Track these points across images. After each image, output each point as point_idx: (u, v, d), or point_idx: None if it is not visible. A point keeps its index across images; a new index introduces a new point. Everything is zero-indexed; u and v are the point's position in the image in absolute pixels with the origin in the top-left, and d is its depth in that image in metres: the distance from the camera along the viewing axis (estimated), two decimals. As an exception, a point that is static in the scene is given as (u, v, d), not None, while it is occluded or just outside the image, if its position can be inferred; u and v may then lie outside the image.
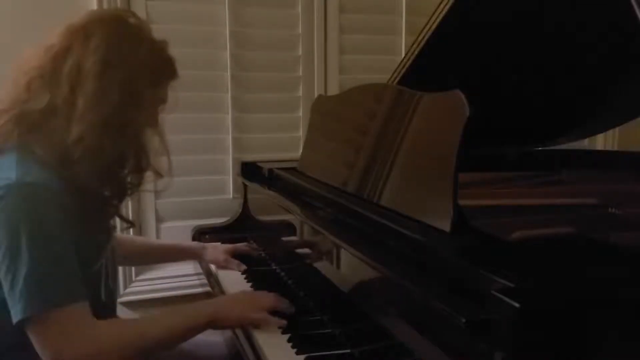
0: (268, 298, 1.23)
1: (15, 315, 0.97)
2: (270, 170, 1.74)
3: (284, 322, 1.18)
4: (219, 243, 1.74)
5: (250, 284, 1.50)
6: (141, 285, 2.05)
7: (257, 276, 1.54)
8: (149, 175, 1.20)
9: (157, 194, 2.04)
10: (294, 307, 1.23)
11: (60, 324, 0.98)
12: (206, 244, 1.70)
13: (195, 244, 1.75)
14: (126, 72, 1.07)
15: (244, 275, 1.56)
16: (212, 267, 1.64)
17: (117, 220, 1.28)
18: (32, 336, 0.99)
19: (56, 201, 1.01)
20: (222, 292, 1.48)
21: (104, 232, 1.18)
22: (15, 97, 1.07)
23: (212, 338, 1.45)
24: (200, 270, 1.67)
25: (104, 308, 1.17)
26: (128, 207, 1.99)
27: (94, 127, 1.03)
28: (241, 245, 1.69)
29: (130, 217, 2.01)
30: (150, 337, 1.07)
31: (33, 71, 1.07)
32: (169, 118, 1.24)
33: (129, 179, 1.17)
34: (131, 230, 2.00)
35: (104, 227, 1.18)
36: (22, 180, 1.00)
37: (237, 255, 1.64)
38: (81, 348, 0.99)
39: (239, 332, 1.21)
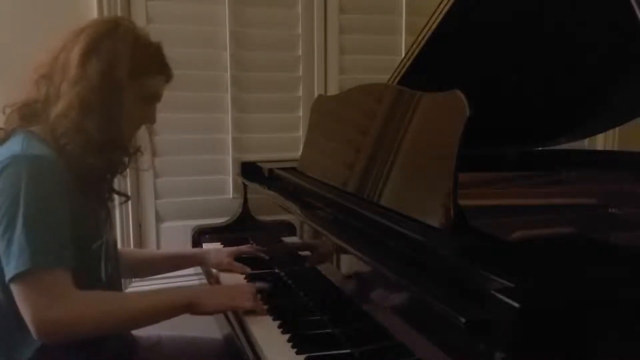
0: (247, 289, 1.30)
1: (8, 273, 1.03)
2: (270, 170, 1.74)
3: (260, 305, 1.27)
4: (221, 246, 1.73)
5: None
6: (141, 285, 2.04)
7: (257, 276, 1.54)
8: (139, 156, 1.31)
9: (157, 193, 2.07)
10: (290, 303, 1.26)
11: (44, 286, 1.03)
12: (209, 249, 1.68)
13: (198, 250, 1.74)
14: (105, 61, 1.15)
15: (244, 275, 1.55)
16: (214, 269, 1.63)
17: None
18: (17, 297, 1.04)
19: (56, 173, 1.09)
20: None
21: (101, 209, 1.24)
22: (27, 95, 1.19)
23: (211, 336, 1.45)
24: (200, 270, 1.66)
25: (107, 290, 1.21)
26: (128, 207, 2.00)
27: (73, 106, 1.13)
28: (245, 247, 1.67)
29: (130, 219, 2.03)
30: (128, 311, 1.13)
31: (40, 69, 1.18)
32: (170, 118, 1.25)
33: (118, 159, 1.25)
34: (132, 239, 2.02)
35: (101, 201, 1.24)
36: (26, 152, 1.09)
37: (241, 257, 1.62)
38: (61, 311, 1.04)
39: (238, 331, 1.21)
